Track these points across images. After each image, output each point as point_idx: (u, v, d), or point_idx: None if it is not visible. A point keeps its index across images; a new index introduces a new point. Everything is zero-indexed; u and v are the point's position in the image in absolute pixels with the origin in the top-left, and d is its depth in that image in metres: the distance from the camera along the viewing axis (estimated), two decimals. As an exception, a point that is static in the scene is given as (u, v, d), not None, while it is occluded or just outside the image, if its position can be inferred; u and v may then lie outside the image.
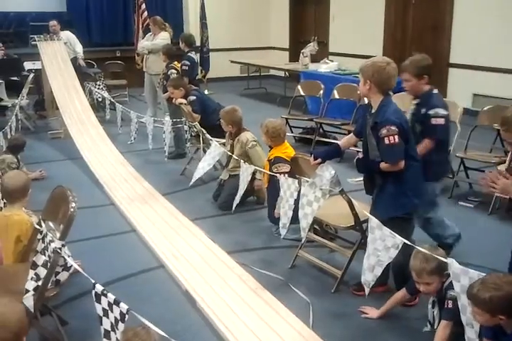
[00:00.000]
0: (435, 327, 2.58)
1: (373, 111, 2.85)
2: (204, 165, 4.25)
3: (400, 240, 2.56)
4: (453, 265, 2.20)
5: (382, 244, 2.63)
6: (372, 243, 2.69)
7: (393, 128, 2.69)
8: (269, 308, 2.92)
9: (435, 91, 3.30)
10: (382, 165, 2.79)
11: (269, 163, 3.90)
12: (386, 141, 2.71)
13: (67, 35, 8.40)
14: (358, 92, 5.85)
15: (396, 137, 2.70)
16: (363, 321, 2.88)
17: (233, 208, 3.83)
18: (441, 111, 3.19)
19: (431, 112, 3.18)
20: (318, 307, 2.98)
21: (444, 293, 2.46)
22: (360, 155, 2.96)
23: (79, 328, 2.81)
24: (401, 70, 3.31)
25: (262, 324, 2.78)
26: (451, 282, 2.38)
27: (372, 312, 2.89)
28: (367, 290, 2.75)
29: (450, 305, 2.38)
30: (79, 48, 8.42)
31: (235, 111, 4.48)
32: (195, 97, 5.27)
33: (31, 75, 7.67)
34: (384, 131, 2.71)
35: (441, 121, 3.18)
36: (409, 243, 2.51)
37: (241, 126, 4.49)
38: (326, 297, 3.11)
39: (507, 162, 4.33)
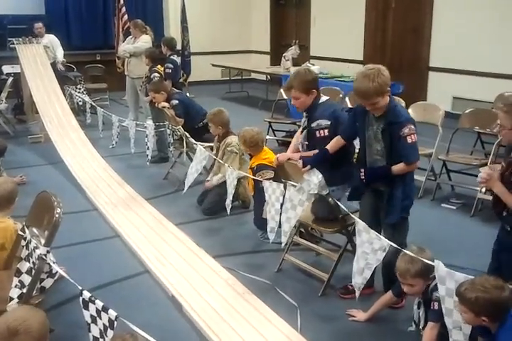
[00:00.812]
0: (420, 327, 2.59)
1: (379, 113, 2.77)
2: (192, 172, 4.24)
3: (386, 242, 2.58)
4: (439, 268, 2.22)
5: (370, 247, 2.64)
6: (361, 246, 2.70)
7: (413, 127, 2.71)
8: (256, 313, 2.90)
9: (322, 99, 3.26)
10: (398, 167, 2.74)
11: (251, 171, 3.90)
12: (409, 140, 2.69)
13: (50, 38, 8.29)
14: (341, 96, 5.89)
15: (416, 136, 2.72)
16: (350, 324, 2.89)
17: (228, 212, 3.79)
18: (324, 122, 3.15)
19: (313, 125, 3.17)
20: (305, 311, 2.98)
21: (430, 294, 2.48)
22: (367, 167, 2.90)
23: (65, 335, 2.76)
24: (287, 87, 3.30)
25: (250, 328, 2.77)
26: (437, 283, 2.40)
27: (360, 315, 2.90)
28: (357, 293, 2.76)
29: (436, 307, 2.39)
30: (60, 53, 8.29)
31: (223, 113, 4.50)
32: (177, 101, 5.24)
33: (10, 79, 7.56)
34: (406, 130, 2.69)
35: (325, 132, 3.14)
36: (395, 245, 2.54)
37: (229, 128, 4.51)
38: (313, 300, 3.11)
39: (490, 158, 4.39)
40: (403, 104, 5.05)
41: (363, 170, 2.88)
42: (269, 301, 3.03)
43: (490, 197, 4.27)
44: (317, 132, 3.17)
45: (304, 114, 3.33)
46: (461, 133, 4.97)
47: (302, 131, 3.34)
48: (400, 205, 2.83)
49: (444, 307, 2.23)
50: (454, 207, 4.51)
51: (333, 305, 3.06)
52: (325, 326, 2.88)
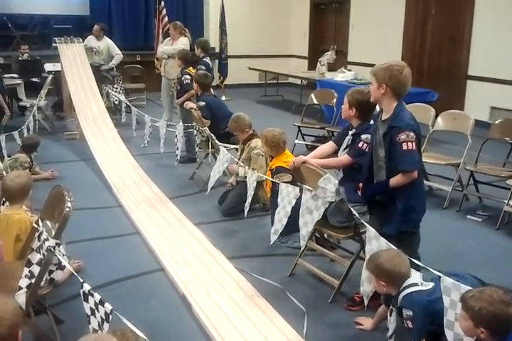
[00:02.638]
0: (390, 333, 2.52)
1: (385, 117, 2.76)
2: (215, 174, 4.28)
3: (396, 251, 2.55)
4: (444, 279, 2.18)
5: None
6: (370, 254, 2.67)
7: (412, 134, 2.62)
8: (263, 316, 2.90)
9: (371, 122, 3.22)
10: (394, 180, 2.68)
11: (270, 172, 3.89)
12: (404, 147, 2.61)
13: (108, 44, 8.33)
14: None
15: (414, 144, 2.63)
16: (356, 332, 2.85)
17: (246, 214, 3.79)
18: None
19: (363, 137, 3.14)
20: (313, 317, 2.96)
21: (400, 311, 2.39)
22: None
23: (74, 328, 2.82)
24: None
25: (255, 331, 2.77)
26: (404, 299, 2.34)
27: (367, 323, 2.86)
28: (366, 301, 2.73)
29: (410, 325, 2.32)
30: (116, 60, 8.28)
31: (244, 117, 4.52)
32: (204, 103, 5.27)
33: (50, 77, 7.80)
34: (403, 136, 2.61)
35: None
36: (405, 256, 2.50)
37: (252, 132, 4.54)
38: (322, 306, 3.09)
39: None
40: (433, 112, 4.99)
41: (360, 184, 2.85)
42: (278, 305, 3.02)
43: (517, 210, 4.19)
44: (361, 143, 3.13)
45: (350, 132, 3.28)
46: (495, 143, 4.84)
47: (344, 149, 3.30)
48: (399, 218, 2.75)
49: (446, 319, 2.18)
50: (480, 219, 4.39)
51: (341, 312, 3.03)
52: (330, 333, 2.85)
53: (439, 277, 2.20)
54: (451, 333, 2.14)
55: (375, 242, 2.65)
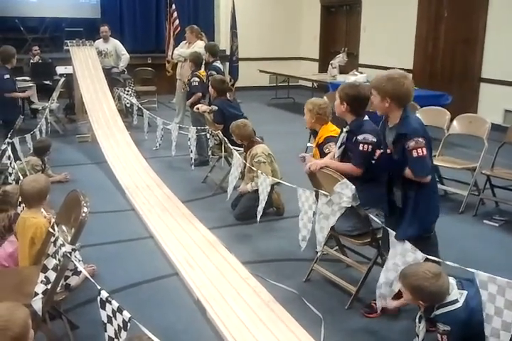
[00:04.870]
0: (420, 340, 2.46)
1: (392, 124, 2.75)
2: (232, 179, 4.29)
3: (421, 256, 2.50)
4: (479, 274, 2.17)
5: (402, 259, 2.58)
6: (393, 258, 2.65)
7: (421, 140, 2.61)
8: (280, 322, 2.86)
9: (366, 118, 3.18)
10: (407, 172, 2.66)
11: (317, 148, 3.69)
12: (414, 154, 2.60)
13: (115, 45, 8.37)
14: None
15: (424, 149, 2.61)
16: (373, 339, 2.81)
17: (258, 219, 3.79)
18: (371, 138, 3.05)
19: (359, 138, 3.06)
20: (330, 323, 2.92)
21: (435, 321, 2.33)
22: (388, 151, 2.78)
23: (88, 333, 2.81)
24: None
25: (272, 338, 2.73)
26: (442, 315, 2.28)
27: (390, 303, 2.76)
28: (383, 304, 2.72)
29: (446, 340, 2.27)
30: (124, 62, 8.33)
31: (244, 126, 4.51)
32: (217, 108, 5.21)
33: (62, 79, 7.81)
34: (412, 144, 2.60)
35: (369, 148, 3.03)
36: (432, 258, 2.45)
37: (252, 140, 4.52)
38: (339, 313, 3.04)
39: None
40: (448, 116, 4.93)
41: (381, 152, 2.81)
42: (295, 311, 2.98)
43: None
44: (361, 145, 3.06)
45: (345, 129, 3.21)
46: (510, 147, 4.77)
47: (339, 147, 3.23)
48: (408, 222, 2.72)
49: (485, 313, 2.16)
50: (497, 225, 4.33)
51: (358, 319, 2.98)
52: (348, 340, 2.81)
53: (467, 279, 2.16)
54: (490, 327, 2.12)
55: (400, 247, 2.61)
